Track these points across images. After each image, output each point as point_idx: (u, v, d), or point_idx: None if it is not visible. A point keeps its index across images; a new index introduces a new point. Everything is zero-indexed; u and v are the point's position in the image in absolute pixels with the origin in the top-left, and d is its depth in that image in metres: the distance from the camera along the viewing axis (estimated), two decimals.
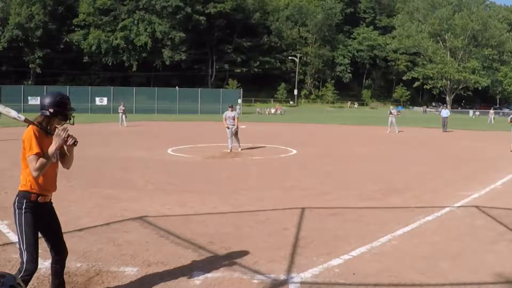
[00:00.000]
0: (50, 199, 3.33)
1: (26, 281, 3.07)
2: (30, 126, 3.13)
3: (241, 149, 14.91)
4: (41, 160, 3.05)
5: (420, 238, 5.48)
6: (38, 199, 3.18)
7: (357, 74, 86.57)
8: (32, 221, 3.16)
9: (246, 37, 76.72)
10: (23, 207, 3.16)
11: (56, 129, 3.14)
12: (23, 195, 3.17)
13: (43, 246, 4.70)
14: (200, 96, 53.46)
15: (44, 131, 3.16)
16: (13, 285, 2.73)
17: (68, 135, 3.11)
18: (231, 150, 14.65)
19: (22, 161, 3.16)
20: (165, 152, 14.33)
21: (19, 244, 3.16)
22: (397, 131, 25.06)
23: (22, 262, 3.12)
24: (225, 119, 14.97)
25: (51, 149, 3.08)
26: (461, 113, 64.36)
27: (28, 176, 3.15)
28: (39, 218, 3.22)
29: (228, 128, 14.80)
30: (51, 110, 3.17)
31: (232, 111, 15.24)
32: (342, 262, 4.60)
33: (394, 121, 25.56)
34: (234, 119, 14.91)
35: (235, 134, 14.94)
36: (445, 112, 28.22)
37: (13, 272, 3.17)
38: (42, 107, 3.20)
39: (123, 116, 26.98)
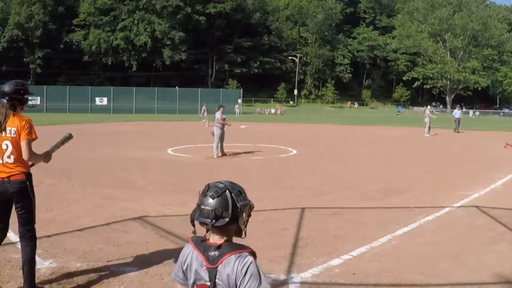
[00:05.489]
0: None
1: None
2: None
3: (221, 155, 13.26)
4: None
5: (420, 238, 5.48)
6: None
7: (357, 74, 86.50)
8: None
9: (246, 37, 76.68)
10: None
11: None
12: None
13: (43, 246, 4.72)
14: (200, 96, 53.44)
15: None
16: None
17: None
18: (217, 156, 13.22)
19: None
20: (165, 152, 14.32)
21: None
22: (427, 135, 23.27)
23: None
24: (223, 119, 13.44)
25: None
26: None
27: None
28: None
29: (221, 129, 13.24)
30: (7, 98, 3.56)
31: (223, 112, 13.59)
32: (342, 262, 4.60)
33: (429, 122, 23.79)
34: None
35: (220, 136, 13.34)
36: (458, 113, 28.18)
37: (14, 273, 3.14)
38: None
39: (205, 114, 29.26)
